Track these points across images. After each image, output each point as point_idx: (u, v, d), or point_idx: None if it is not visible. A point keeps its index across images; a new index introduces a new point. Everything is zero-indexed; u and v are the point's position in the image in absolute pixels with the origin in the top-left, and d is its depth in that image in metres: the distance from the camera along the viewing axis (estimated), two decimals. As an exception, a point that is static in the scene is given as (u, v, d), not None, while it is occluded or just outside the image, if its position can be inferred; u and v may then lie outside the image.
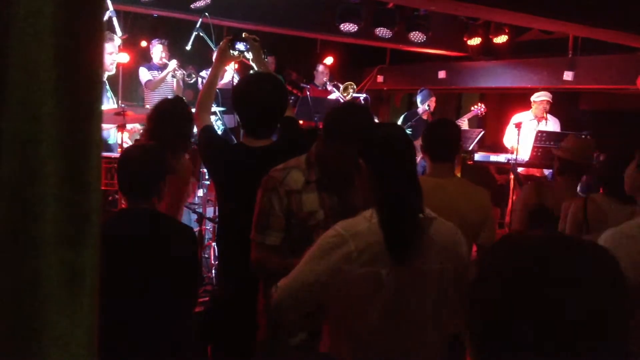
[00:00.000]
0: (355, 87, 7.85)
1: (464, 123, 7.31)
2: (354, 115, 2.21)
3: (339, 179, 2.25)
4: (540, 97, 6.86)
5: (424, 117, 7.37)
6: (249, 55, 3.05)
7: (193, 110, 3.06)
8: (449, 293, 1.87)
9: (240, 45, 3.01)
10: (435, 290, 1.84)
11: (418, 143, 3.10)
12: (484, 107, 7.38)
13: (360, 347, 1.83)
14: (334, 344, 1.91)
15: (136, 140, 4.30)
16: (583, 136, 6.00)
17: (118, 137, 4.76)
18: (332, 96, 7.44)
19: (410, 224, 1.78)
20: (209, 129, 2.79)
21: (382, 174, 1.82)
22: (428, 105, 7.27)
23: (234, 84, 5.85)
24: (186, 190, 3.39)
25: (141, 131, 3.68)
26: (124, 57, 6.52)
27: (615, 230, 2.17)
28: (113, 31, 5.31)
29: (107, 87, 5.45)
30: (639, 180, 2.55)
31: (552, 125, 6.86)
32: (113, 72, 5.58)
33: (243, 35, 3.04)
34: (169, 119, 3.22)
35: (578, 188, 7.02)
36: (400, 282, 1.78)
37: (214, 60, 2.95)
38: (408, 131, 6.86)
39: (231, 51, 2.99)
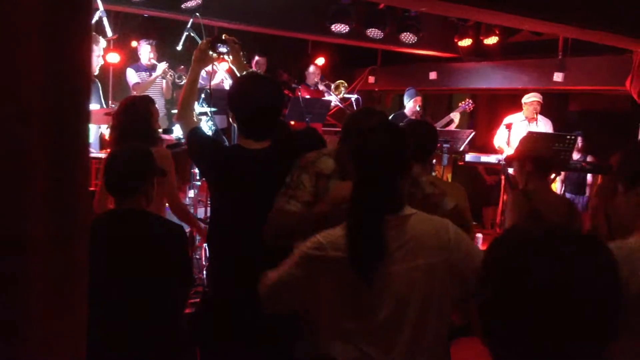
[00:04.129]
0: (346, 85, 7.85)
1: (456, 117, 7.31)
2: (366, 121, 2.25)
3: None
4: (530, 98, 6.89)
5: (414, 117, 7.37)
6: (229, 58, 3.05)
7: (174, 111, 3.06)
8: (445, 285, 1.85)
9: (222, 48, 3.00)
10: (421, 286, 1.84)
11: None
12: (471, 102, 7.41)
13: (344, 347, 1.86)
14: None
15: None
16: (573, 137, 6.04)
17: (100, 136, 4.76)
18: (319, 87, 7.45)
19: (371, 232, 1.82)
20: (198, 130, 2.77)
21: (355, 181, 1.91)
22: (419, 107, 7.28)
23: (211, 84, 5.83)
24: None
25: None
26: (114, 57, 6.50)
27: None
28: (103, 31, 5.29)
29: (98, 85, 5.44)
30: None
31: (543, 126, 6.89)
32: (96, 73, 5.57)
33: (223, 37, 3.03)
34: (137, 116, 3.23)
35: (561, 188, 7.07)
36: (374, 287, 1.82)
37: (192, 61, 2.92)
38: None
39: (211, 52, 2.98)
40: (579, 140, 7.26)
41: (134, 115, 3.27)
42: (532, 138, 3.48)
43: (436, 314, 1.87)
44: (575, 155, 7.20)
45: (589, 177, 7.30)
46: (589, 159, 7.23)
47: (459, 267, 1.86)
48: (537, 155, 3.45)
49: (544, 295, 0.93)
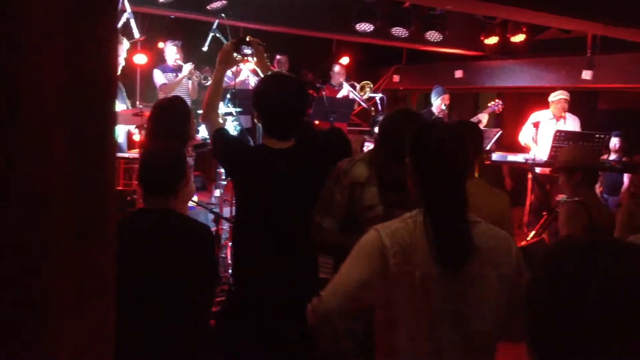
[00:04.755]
0: (372, 85, 7.83)
1: (484, 118, 7.23)
2: (404, 123, 2.26)
3: (390, 181, 2.35)
4: (557, 97, 6.79)
5: (440, 116, 7.32)
6: (253, 59, 3.06)
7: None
8: (510, 299, 1.75)
9: (246, 50, 3.02)
10: (493, 297, 1.74)
11: None
12: (501, 103, 7.30)
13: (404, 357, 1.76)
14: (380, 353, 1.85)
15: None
16: (602, 136, 5.94)
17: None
18: (342, 93, 7.43)
19: (458, 226, 1.74)
20: (223, 131, 2.79)
21: (427, 177, 1.80)
22: (445, 105, 7.22)
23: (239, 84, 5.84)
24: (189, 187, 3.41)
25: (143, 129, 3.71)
26: (142, 59, 6.58)
27: None
28: (131, 32, 5.35)
29: (122, 87, 5.51)
30: None
31: (571, 124, 6.78)
32: (118, 74, 5.64)
33: (247, 39, 3.05)
34: (169, 117, 3.24)
35: (599, 189, 6.95)
36: (445, 286, 1.73)
37: (217, 62, 2.94)
38: None
39: (235, 54, 3.00)
40: (617, 140, 7.12)
41: (173, 114, 3.26)
42: (580, 148, 3.44)
43: (499, 326, 1.76)
44: (612, 156, 7.08)
45: (625, 177, 7.15)
46: (624, 159, 7.08)
47: (517, 283, 1.75)
48: (586, 165, 3.39)
49: (595, 307, 0.93)
